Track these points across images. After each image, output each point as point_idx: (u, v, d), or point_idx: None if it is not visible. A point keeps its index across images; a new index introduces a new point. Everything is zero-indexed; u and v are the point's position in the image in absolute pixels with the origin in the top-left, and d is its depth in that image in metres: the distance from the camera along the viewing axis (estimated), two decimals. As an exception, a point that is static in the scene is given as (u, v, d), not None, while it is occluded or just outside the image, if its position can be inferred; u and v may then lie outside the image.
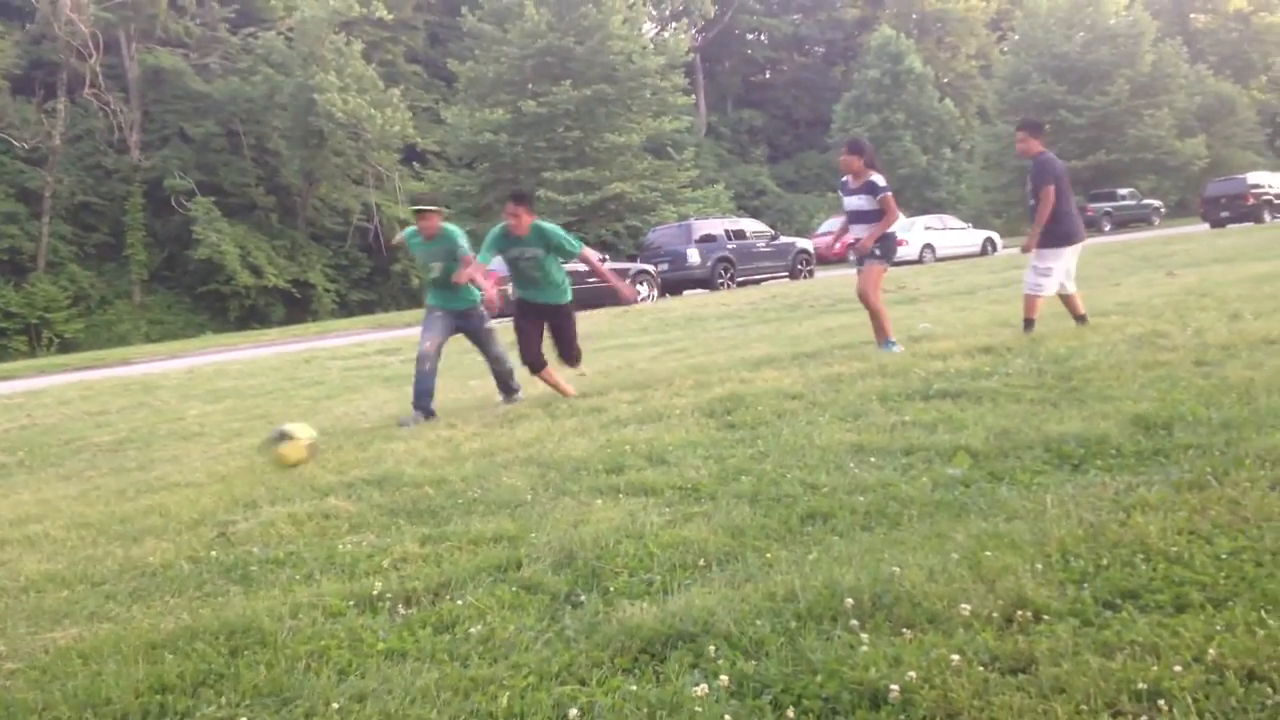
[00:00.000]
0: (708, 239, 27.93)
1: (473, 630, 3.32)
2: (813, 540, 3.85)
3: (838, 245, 9.48)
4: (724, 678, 2.77)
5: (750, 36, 70.27)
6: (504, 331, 8.76)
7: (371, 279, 45.36)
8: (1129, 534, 3.42)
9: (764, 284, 26.80)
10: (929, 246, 31.17)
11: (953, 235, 33.09)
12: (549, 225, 8.38)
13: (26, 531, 5.63)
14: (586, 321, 18.67)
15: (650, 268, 26.65)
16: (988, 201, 52.09)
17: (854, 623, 3.00)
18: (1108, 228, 39.80)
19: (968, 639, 2.82)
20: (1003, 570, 3.21)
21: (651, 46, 43.81)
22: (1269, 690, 2.42)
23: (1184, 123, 52.73)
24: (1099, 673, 2.55)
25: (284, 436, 6.60)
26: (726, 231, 28.78)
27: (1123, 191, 43.68)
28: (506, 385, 8.82)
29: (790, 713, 2.60)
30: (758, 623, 3.08)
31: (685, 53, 45.76)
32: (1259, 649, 2.57)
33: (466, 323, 8.60)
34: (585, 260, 8.53)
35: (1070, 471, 4.36)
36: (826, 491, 4.41)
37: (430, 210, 8.57)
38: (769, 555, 3.72)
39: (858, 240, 8.93)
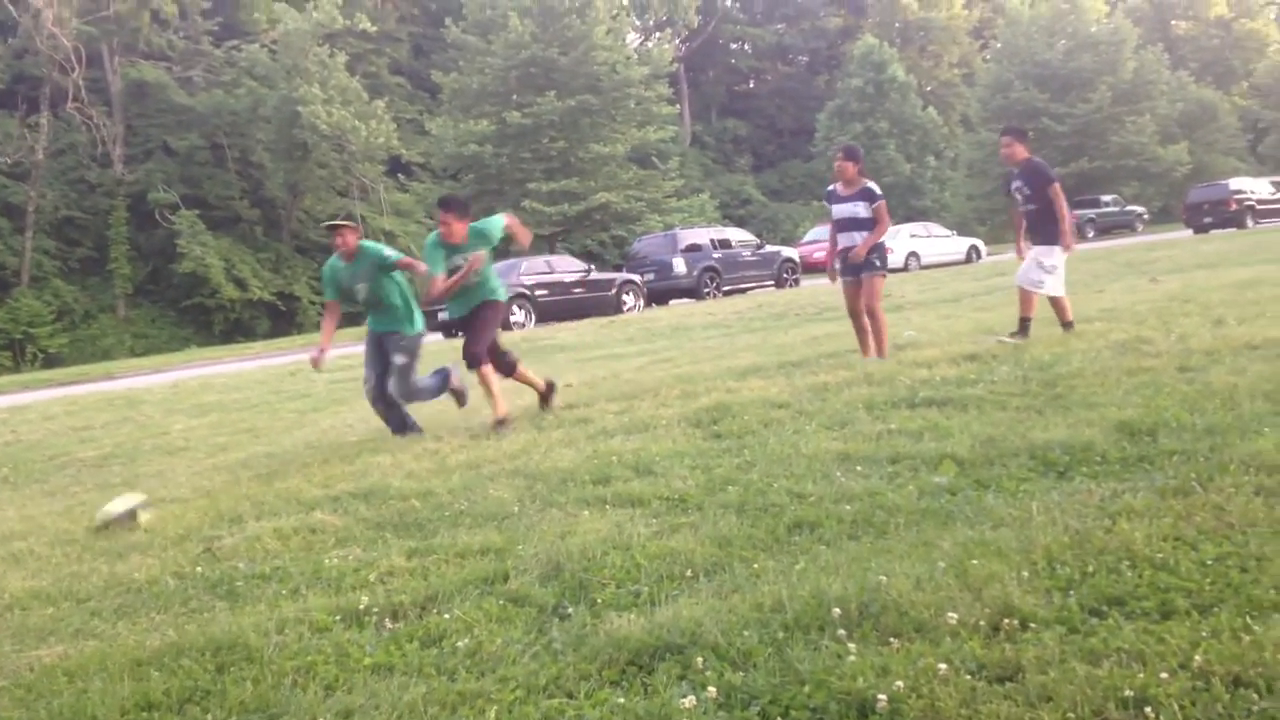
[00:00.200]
0: (693, 248, 27.96)
1: (460, 644, 3.31)
2: (800, 550, 3.85)
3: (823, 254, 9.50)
4: (712, 689, 2.77)
5: (734, 46, 70.50)
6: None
7: (357, 292, 45.16)
8: (1115, 541, 3.43)
9: (750, 293, 26.85)
10: (914, 254, 31.25)
11: (937, 243, 33.19)
12: (486, 224, 7.78)
13: (11, 548, 5.60)
14: (572, 332, 18.70)
15: (636, 277, 26.67)
16: (972, 209, 52.36)
17: (841, 632, 3.00)
18: (1091, 234, 39.95)
19: (955, 648, 2.82)
20: (989, 578, 3.22)
21: (636, 57, 43.87)
22: (1255, 696, 2.43)
23: (1166, 129, 53.05)
24: (1086, 680, 2.55)
25: (133, 514, 5.90)
26: (712, 241, 28.80)
27: (1106, 198, 43.87)
28: (401, 423, 7.99)
29: (778, 724, 2.60)
30: (745, 633, 3.07)
31: (670, 63, 45.86)
32: (1245, 655, 2.58)
33: (389, 344, 7.86)
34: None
35: (1056, 479, 4.37)
36: (813, 501, 4.42)
37: (346, 225, 7.87)
38: (756, 565, 3.72)
39: (849, 249, 8.91)
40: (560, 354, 15.29)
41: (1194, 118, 56.30)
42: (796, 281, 29.20)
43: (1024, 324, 8.73)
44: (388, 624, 3.60)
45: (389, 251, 7.86)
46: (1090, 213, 41.50)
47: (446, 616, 3.57)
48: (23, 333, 36.12)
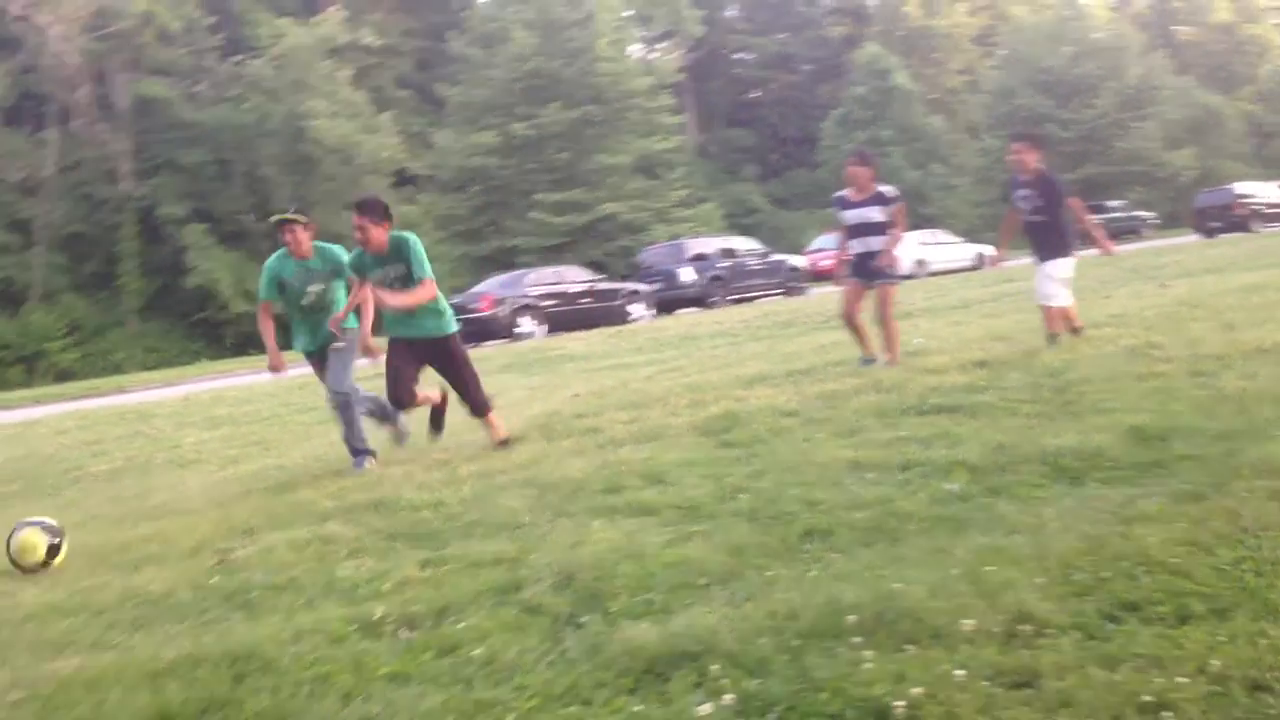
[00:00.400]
0: (700, 258, 28.00)
1: (475, 653, 3.31)
2: (813, 557, 3.85)
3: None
4: (728, 697, 2.77)
5: (738, 56, 70.42)
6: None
7: (364, 303, 45.21)
8: (1129, 546, 3.42)
9: (757, 301, 26.85)
10: (922, 261, 31.23)
11: (945, 250, 33.17)
12: (408, 236, 6.93)
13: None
14: (582, 342, 18.70)
15: (643, 287, 26.69)
16: (979, 216, 52.15)
17: (857, 639, 3.00)
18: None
19: (971, 654, 2.82)
20: (1004, 585, 3.21)
21: (639, 67, 43.98)
22: (1272, 700, 2.43)
23: (1172, 134, 52.96)
24: (1103, 686, 2.55)
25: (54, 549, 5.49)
26: (719, 250, 28.84)
27: (1113, 204, 43.77)
28: (354, 447, 7.40)
29: (796, 731, 2.60)
30: (760, 641, 3.07)
31: (675, 71, 45.94)
32: (1262, 659, 2.58)
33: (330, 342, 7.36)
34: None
35: (1069, 485, 4.36)
36: (825, 508, 4.41)
37: (297, 221, 7.15)
38: (769, 573, 3.72)
39: (862, 255, 8.81)
40: (569, 364, 15.30)
41: (1199, 123, 56.16)
42: (803, 290, 29.20)
43: (1053, 337, 8.55)
44: (403, 633, 3.61)
45: (347, 258, 7.25)
46: (1097, 218, 41.21)
47: (461, 626, 3.58)
48: (35, 348, 36.22)
